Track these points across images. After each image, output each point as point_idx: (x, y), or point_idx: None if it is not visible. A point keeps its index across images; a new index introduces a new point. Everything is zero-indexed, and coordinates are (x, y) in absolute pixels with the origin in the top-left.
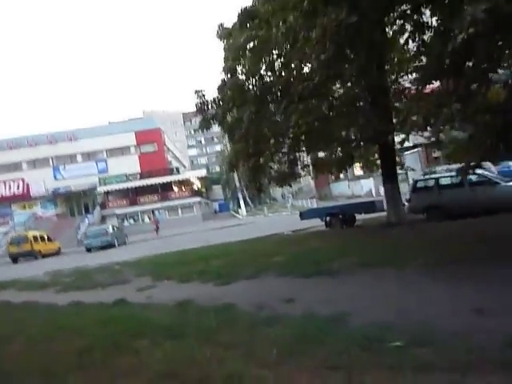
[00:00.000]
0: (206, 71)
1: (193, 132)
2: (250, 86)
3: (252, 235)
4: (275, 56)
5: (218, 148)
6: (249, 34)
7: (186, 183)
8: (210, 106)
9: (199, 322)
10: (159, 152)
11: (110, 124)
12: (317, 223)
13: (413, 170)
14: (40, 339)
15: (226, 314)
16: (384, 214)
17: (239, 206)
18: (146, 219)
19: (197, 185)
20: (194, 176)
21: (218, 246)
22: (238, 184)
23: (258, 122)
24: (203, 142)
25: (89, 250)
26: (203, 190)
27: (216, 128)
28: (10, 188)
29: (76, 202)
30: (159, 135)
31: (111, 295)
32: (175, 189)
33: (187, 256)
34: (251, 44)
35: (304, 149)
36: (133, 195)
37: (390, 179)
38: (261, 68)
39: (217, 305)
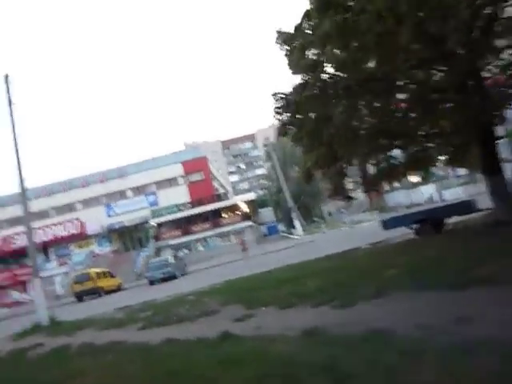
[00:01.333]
0: (238, 98)
1: (233, 158)
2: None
3: (325, 252)
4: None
5: (259, 172)
6: (332, 22)
7: (235, 208)
8: (286, 110)
9: (365, 358)
10: (206, 180)
11: (156, 158)
12: (393, 233)
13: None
14: None
15: (390, 345)
16: (473, 215)
17: (292, 226)
18: (200, 247)
19: (245, 209)
20: (243, 200)
21: (297, 266)
22: (290, 203)
23: (351, 118)
24: (243, 167)
25: (152, 282)
26: (251, 214)
27: (258, 152)
28: (66, 229)
29: (130, 237)
30: (205, 163)
31: (205, 329)
32: (225, 215)
33: (269, 279)
34: (337, 31)
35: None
36: (185, 225)
37: (492, 170)
38: (355, 56)
39: (361, 332)
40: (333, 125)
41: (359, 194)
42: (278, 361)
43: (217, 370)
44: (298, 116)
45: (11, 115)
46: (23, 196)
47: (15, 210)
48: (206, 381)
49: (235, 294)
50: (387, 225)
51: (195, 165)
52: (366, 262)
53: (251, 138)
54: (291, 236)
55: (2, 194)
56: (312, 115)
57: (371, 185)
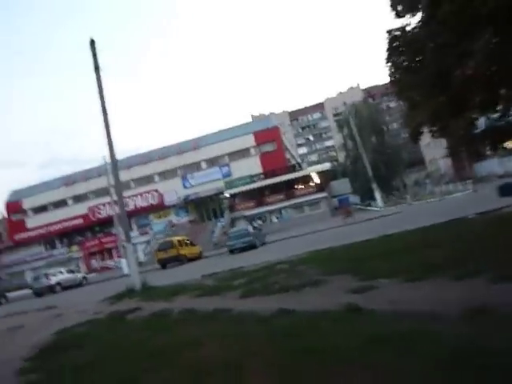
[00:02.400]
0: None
1: (301, 130)
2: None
3: (423, 223)
4: None
5: (328, 143)
6: None
7: (308, 179)
8: (403, 50)
9: None
10: (279, 150)
11: (228, 129)
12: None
13: None
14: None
15: None
16: None
17: (371, 198)
18: (274, 219)
19: (318, 180)
20: (316, 171)
21: (398, 236)
22: (370, 173)
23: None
24: (311, 138)
25: (231, 251)
26: (324, 185)
27: (326, 122)
28: (146, 199)
29: (205, 208)
30: (277, 133)
31: (320, 300)
32: (299, 186)
33: (369, 249)
34: None
35: None
36: (258, 196)
37: None
38: None
39: None
40: (473, 61)
41: (441, 164)
42: (454, 346)
43: (372, 352)
44: (417, 58)
45: (98, 81)
46: (114, 165)
47: (100, 182)
48: (365, 366)
49: (333, 263)
50: (505, 191)
51: (267, 135)
52: (490, 230)
53: (319, 107)
54: (369, 208)
55: (88, 167)
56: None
57: (478, 144)
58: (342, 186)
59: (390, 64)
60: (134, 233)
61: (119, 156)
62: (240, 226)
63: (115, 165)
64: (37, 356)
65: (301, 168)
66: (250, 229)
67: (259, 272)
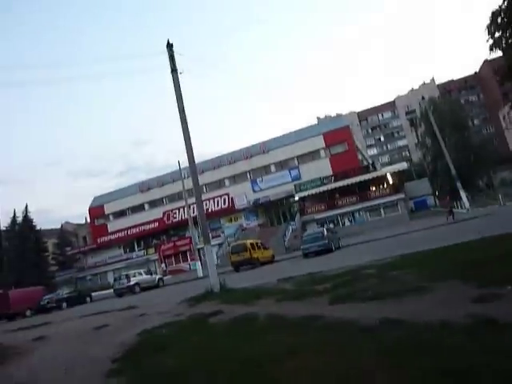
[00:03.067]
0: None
1: (370, 131)
2: None
3: None
4: None
5: (401, 143)
6: None
7: (383, 180)
8: None
9: None
10: (350, 151)
11: (296, 131)
12: None
13: None
14: None
15: None
16: None
17: (455, 198)
18: (347, 222)
19: (394, 181)
20: (392, 171)
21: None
22: (453, 171)
23: None
24: (382, 139)
25: (306, 255)
26: (400, 186)
27: (398, 121)
28: (218, 203)
29: (275, 211)
30: (348, 133)
31: (430, 310)
32: (373, 187)
33: (470, 252)
34: None
35: None
36: (330, 199)
37: None
38: None
39: None
40: None
41: None
42: None
43: None
44: None
45: (175, 83)
46: (193, 168)
47: (174, 187)
48: None
49: (431, 268)
50: None
51: (337, 135)
52: None
53: (390, 106)
54: (454, 211)
55: (162, 173)
56: None
57: None
58: (420, 186)
59: (498, 39)
60: None
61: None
62: (315, 229)
63: (194, 168)
64: (123, 357)
65: (375, 168)
66: (325, 232)
67: (343, 277)
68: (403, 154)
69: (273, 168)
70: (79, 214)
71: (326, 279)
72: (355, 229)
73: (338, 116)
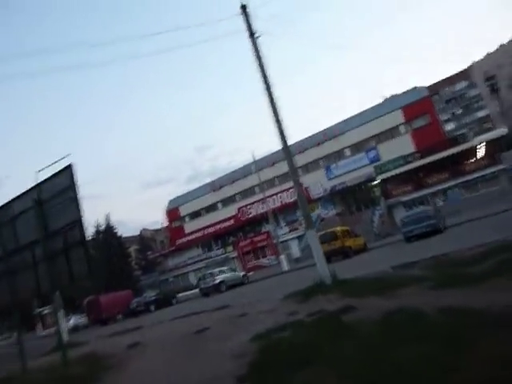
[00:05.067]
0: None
1: (444, 104)
2: None
3: None
4: None
5: (480, 114)
6: None
7: (478, 152)
8: None
9: None
10: (433, 123)
11: (369, 109)
12: None
13: None
14: None
15: None
16: None
17: None
18: (439, 202)
19: (488, 152)
20: (489, 139)
21: None
22: None
23: None
24: (458, 112)
25: (408, 239)
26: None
27: (476, 90)
28: (292, 195)
29: (353, 198)
30: (430, 104)
31: None
32: (467, 160)
33: None
34: None
35: None
36: (415, 178)
37: None
38: None
39: None
40: None
41: None
42: None
43: None
44: None
45: (255, 47)
46: (286, 148)
47: (244, 183)
48: None
49: None
50: None
51: (418, 108)
52: None
53: (465, 75)
54: None
55: (231, 170)
56: None
57: None
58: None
59: None
60: (284, 230)
61: (261, 153)
62: (418, 208)
63: (287, 148)
64: (252, 375)
65: (466, 139)
66: (431, 210)
67: (494, 257)
68: (484, 125)
69: (347, 152)
70: (154, 221)
71: (467, 262)
72: (450, 208)
73: (412, 89)
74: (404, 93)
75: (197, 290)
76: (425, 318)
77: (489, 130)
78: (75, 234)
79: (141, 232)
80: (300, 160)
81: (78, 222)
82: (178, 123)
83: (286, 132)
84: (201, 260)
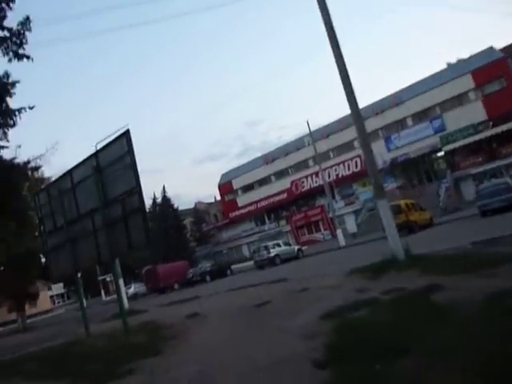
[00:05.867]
0: None
1: None
2: None
3: None
4: None
5: None
6: None
7: None
8: None
9: None
10: (510, 87)
11: (433, 75)
12: None
13: None
14: None
15: None
16: None
17: None
18: None
19: None
20: None
21: None
22: None
23: None
24: None
25: (484, 213)
26: None
27: None
28: (348, 167)
29: (415, 170)
30: (506, 66)
31: None
32: None
33: None
34: None
35: None
36: (487, 148)
37: None
38: None
39: None
40: None
41: None
42: None
43: None
44: None
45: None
46: (356, 111)
47: (298, 156)
48: None
49: None
50: None
51: (491, 70)
52: None
53: None
54: None
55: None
56: None
57: None
58: None
59: None
60: (340, 203)
61: (312, 126)
62: (496, 180)
63: (357, 111)
64: (331, 360)
65: None
66: (511, 182)
67: None
68: None
69: (409, 121)
70: (208, 194)
71: None
72: None
73: (489, 49)
74: (475, 55)
75: (251, 263)
76: None
77: None
78: (133, 202)
79: (195, 205)
80: (355, 131)
81: (136, 189)
82: (228, 97)
83: (355, 93)
84: (254, 233)
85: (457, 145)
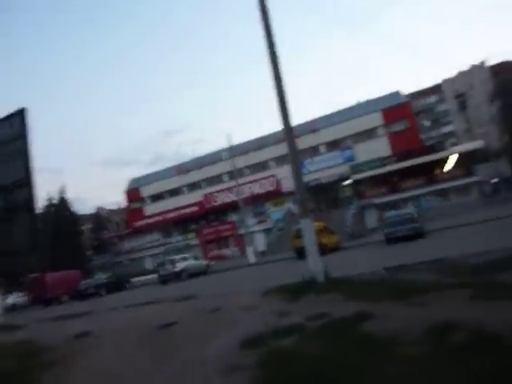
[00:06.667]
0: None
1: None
2: None
3: None
4: None
5: (447, 129)
6: None
7: (453, 161)
8: None
9: None
10: (412, 129)
11: (349, 108)
12: None
13: None
14: None
15: None
16: None
17: None
18: (410, 208)
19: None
20: (465, 150)
21: None
22: None
23: None
24: (427, 124)
25: (389, 240)
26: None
27: (445, 105)
28: (262, 186)
29: (325, 196)
30: (409, 110)
31: None
32: (442, 169)
33: None
34: None
35: None
36: (390, 181)
37: None
38: None
39: None
40: None
41: None
42: None
43: None
44: None
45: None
46: (289, 133)
47: (213, 170)
48: None
49: None
50: None
51: (397, 112)
52: None
53: (436, 90)
54: None
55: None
56: None
57: None
58: (498, 168)
59: None
60: (252, 221)
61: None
62: (402, 210)
63: (289, 129)
64: None
65: (443, 148)
66: (415, 212)
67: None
68: (449, 140)
69: (323, 148)
70: (113, 201)
71: (483, 270)
72: (424, 215)
73: (395, 93)
74: (382, 97)
75: (153, 276)
76: (497, 339)
77: (454, 144)
78: (20, 195)
79: (97, 210)
80: (275, 152)
81: (25, 180)
82: (145, 103)
83: (289, 108)
84: (159, 245)
85: (364, 175)
